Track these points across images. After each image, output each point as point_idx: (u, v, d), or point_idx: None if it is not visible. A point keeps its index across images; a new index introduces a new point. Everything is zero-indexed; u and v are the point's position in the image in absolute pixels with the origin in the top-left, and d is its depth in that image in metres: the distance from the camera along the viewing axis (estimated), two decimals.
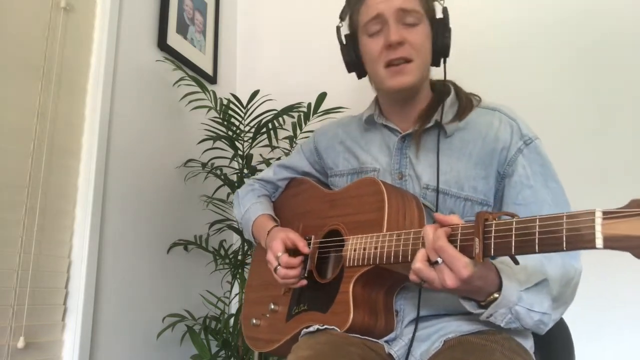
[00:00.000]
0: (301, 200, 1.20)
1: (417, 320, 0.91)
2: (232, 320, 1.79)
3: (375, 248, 0.87)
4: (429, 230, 0.75)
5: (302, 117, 1.80)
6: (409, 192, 0.98)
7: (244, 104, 1.74)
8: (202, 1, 2.12)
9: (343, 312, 0.90)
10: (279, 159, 1.83)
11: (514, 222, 0.67)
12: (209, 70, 2.11)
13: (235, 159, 1.82)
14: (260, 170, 1.79)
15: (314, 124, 1.80)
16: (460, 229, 0.73)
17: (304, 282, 1.03)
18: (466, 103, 1.01)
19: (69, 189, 1.47)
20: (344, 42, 1.07)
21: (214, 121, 1.79)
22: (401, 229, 0.85)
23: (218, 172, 1.83)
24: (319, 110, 1.78)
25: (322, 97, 1.78)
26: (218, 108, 1.77)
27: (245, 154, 1.82)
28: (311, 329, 0.93)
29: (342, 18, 1.07)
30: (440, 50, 1.00)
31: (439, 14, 1.02)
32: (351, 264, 0.92)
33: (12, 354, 1.25)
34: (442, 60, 1.03)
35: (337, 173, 1.14)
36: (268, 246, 1.08)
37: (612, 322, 1.48)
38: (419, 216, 0.93)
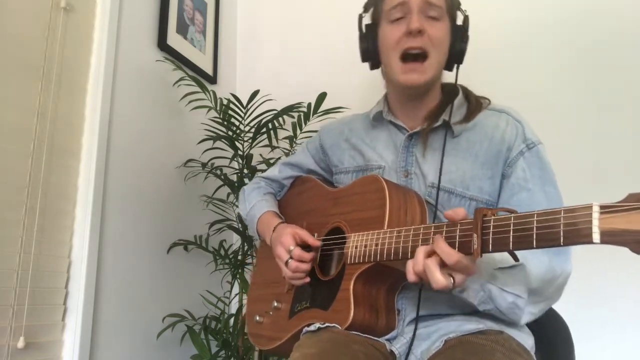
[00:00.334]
0: (305, 198, 1.21)
1: (417, 319, 0.92)
2: (232, 320, 1.79)
3: (376, 245, 0.87)
4: (431, 263, 0.74)
5: (302, 117, 1.80)
6: (411, 189, 0.99)
7: (244, 104, 1.74)
8: (202, 1, 2.12)
9: (344, 310, 0.91)
10: (279, 159, 1.83)
11: (512, 218, 0.67)
12: (209, 70, 2.11)
13: (235, 159, 1.82)
14: (261, 170, 1.79)
15: (314, 124, 1.80)
16: (459, 225, 0.73)
17: (307, 279, 1.03)
18: (475, 105, 1.03)
19: (69, 189, 1.47)
20: (364, 30, 1.07)
21: (214, 121, 1.79)
22: (402, 226, 0.85)
23: (218, 172, 1.83)
24: (319, 110, 1.78)
25: (322, 97, 1.78)
26: (218, 108, 1.77)
27: (245, 154, 1.83)
28: (312, 327, 0.93)
29: (366, 9, 1.09)
30: (455, 55, 1.02)
31: (459, 22, 1.04)
32: (352, 261, 0.92)
33: (12, 354, 1.25)
34: (455, 65, 1.04)
35: (343, 170, 1.14)
36: (277, 241, 1.08)
37: (612, 321, 1.48)
38: (421, 213, 0.94)
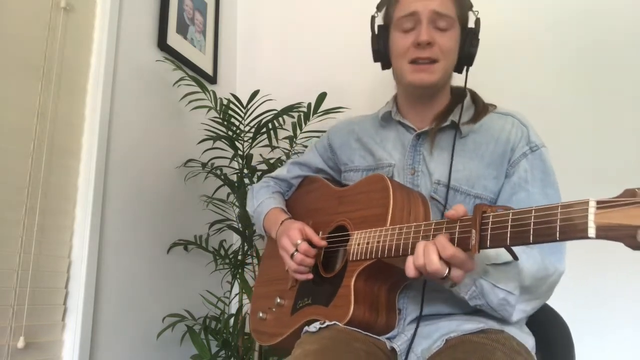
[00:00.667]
0: (312, 197, 1.22)
1: (419, 317, 0.92)
2: (232, 320, 1.79)
3: (378, 242, 0.88)
4: (430, 246, 0.75)
5: (302, 117, 1.81)
6: (415, 191, 1.00)
7: (244, 104, 1.74)
8: (202, 1, 2.12)
9: (344, 306, 0.91)
10: (279, 159, 1.84)
11: (511, 214, 0.68)
12: (209, 70, 2.11)
13: (235, 159, 1.82)
14: (261, 170, 1.80)
15: (314, 124, 1.80)
16: (459, 221, 0.74)
17: (310, 275, 1.04)
18: (482, 108, 1.05)
19: (69, 189, 1.47)
20: (376, 32, 1.09)
21: (214, 121, 1.79)
22: (405, 224, 0.85)
23: (218, 172, 1.83)
24: (319, 110, 1.78)
25: (322, 97, 1.78)
26: (218, 108, 1.77)
27: (245, 154, 1.83)
28: (312, 328, 0.93)
29: (378, 9, 1.10)
30: (465, 58, 1.03)
31: (472, 24, 1.05)
32: (355, 258, 0.93)
33: (12, 354, 1.25)
34: (464, 68, 1.06)
35: (352, 168, 1.16)
36: (284, 234, 1.08)
37: (612, 321, 1.48)
38: (425, 213, 0.95)
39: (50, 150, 1.39)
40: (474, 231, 0.70)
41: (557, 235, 0.61)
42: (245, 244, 1.81)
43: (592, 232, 0.58)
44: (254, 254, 1.81)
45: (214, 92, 1.78)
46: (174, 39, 1.91)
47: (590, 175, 1.55)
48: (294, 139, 1.84)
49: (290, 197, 1.31)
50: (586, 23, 1.65)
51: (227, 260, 1.82)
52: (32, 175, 1.34)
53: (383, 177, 0.97)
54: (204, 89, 1.74)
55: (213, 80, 2.13)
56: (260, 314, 1.18)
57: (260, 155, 1.89)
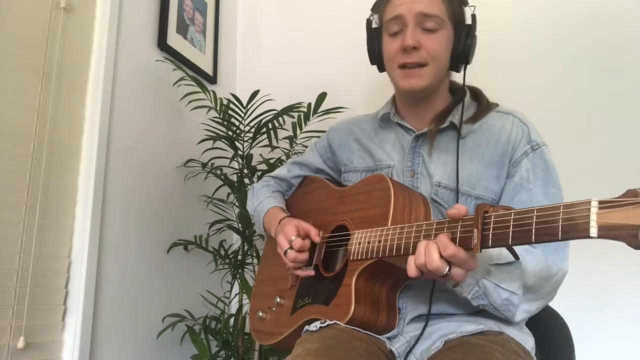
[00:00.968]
0: (313, 197, 1.22)
1: (427, 318, 0.92)
2: (232, 320, 1.79)
3: (379, 241, 0.88)
4: (431, 245, 0.75)
5: (302, 117, 1.81)
6: (416, 192, 0.99)
7: (244, 104, 1.74)
8: (202, 1, 2.12)
9: (344, 305, 0.91)
10: (279, 159, 1.84)
11: (513, 214, 0.68)
12: (209, 70, 2.11)
13: (235, 159, 1.82)
14: (261, 170, 1.80)
15: (314, 124, 1.80)
16: (461, 221, 0.74)
17: (312, 272, 1.04)
18: (485, 107, 1.03)
19: (69, 189, 1.47)
20: (371, 34, 1.08)
21: (214, 121, 1.79)
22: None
23: (218, 172, 1.83)
24: (319, 110, 1.78)
25: (322, 97, 1.78)
26: (218, 108, 1.77)
27: (245, 154, 1.83)
28: (312, 327, 0.93)
29: (373, 11, 1.09)
30: (459, 56, 1.01)
31: (469, 20, 1.03)
32: (355, 258, 0.93)
33: (12, 354, 1.25)
34: (462, 65, 1.04)
35: (352, 169, 1.15)
36: (281, 232, 1.09)
37: (613, 321, 1.48)
38: (426, 213, 0.94)
39: (50, 150, 1.39)
40: (475, 230, 0.70)
41: (560, 235, 0.61)
42: (245, 244, 1.81)
43: (594, 231, 0.58)
44: (254, 254, 1.81)
45: (214, 92, 1.78)
46: (174, 39, 1.91)
47: (591, 175, 1.55)
48: (294, 139, 1.84)
49: (290, 197, 1.31)
50: (587, 24, 1.65)
51: (227, 260, 1.82)
52: (32, 175, 1.34)
53: (384, 177, 0.97)
54: (204, 89, 1.74)
55: (213, 80, 2.13)
56: (260, 314, 1.18)
57: (260, 155, 1.89)
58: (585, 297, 1.49)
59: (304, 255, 1.04)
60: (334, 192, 1.14)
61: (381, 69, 1.09)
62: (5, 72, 1.30)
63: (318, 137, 1.46)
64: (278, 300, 1.12)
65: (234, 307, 1.91)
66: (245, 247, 1.81)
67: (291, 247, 1.04)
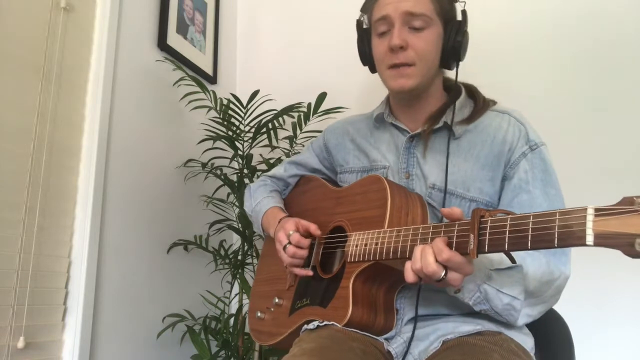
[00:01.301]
0: (309, 197, 1.22)
1: (415, 319, 0.92)
2: (232, 320, 1.79)
3: (376, 244, 0.88)
4: (427, 249, 0.75)
5: (302, 117, 1.80)
6: (414, 192, 0.99)
7: (244, 104, 1.74)
8: (202, 1, 2.12)
9: (342, 307, 0.91)
10: (279, 159, 1.84)
11: (509, 219, 0.67)
12: (209, 70, 2.11)
13: (235, 159, 1.82)
14: (261, 170, 1.80)
15: (314, 124, 1.80)
16: (457, 225, 0.74)
17: (310, 272, 1.04)
18: (482, 106, 1.02)
19: (69, 189, 1.47)
20: (361, 35, 1.07)
21: (214, 121, 1.79)
22: (403, 226, 0.85)
23: (218, 172, 1.83)
24: (319, 110, 1.78)
25: (322, 97, 1.78)
26: (218, 108, 1.77)
27: (245, 154, 1.83)
28: (311, 326, 0.93)
29: (363, 11, 1.08)
30: (449, 53, 1.00)
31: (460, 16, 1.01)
32: (352, 260, 0.93)
33: (12, 354, 1.25)
34: (454, 63, 1.02)
35: (348, 170, 1.15)
36: (281, 228, 1.09)
37: (613, 321, 1.48)
38: (422, 214, 0.94)
39: (50, 150, 1.39)
40: (472, 236, 0.70)
41: (555, 242, 0.61)
42: (245, 244, 1.81)
43: (590, 239, 0.58)
44: (254, 254, 1.81)
45: (214, 92, 1.78)
46: (174, 39, 1.91)
47: (591, 175, 1.55)
48: (294, 139, 1.84)
49: (287, 197, 1.31)
50: (587, 24, 1.65)
51: (227, 260, 1.82)
52: (32, 175, 1.34)
53: (380, 178, 0.97)
54: (204, 89, 1.74)
55: (213, 80, 2.13)
56: (259, 314, 1.17)
57: (260, 155, 1.89)
58: (585, 297, 1.49)
59: (303, 252, 1.04)
60: (331, 192, 1.14)
61: (373, 69, 1.08)
62: (5, 72, 1.30)
63: (321, 133, 1.46)
64: (276, 300, 1.12)
65: (234, 307, 1.91)
66: (245, 247, 1.81)
67: (290, 242, 1.04)
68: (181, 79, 1.80)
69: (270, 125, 1.78)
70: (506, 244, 0.67)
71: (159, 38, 1.85)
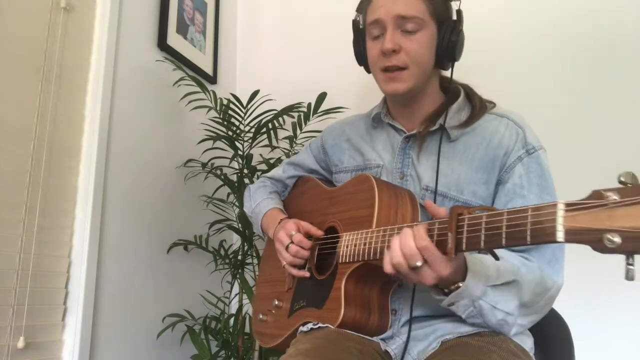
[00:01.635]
0: (306, 198, 1.22)
1: (410, 320, 0.92)
2: (232, 320, 1.79)
3: (364, 244, 0.88)
4: (407, 230, 0.75)
5: (302, 117, 1.80)
6: (404, 189, 0.98)
7: (244, 104, 1.74)
8: (202, 1, 2.12)
9: (335, 309, 0.91)
10: (279, 159, 1.84)
11: (484, 217, 0.66)
12: (209, 70, 2.11)
13: (235, 159, 1.82)
14: (261, 170, 1.80)
15: (314, 124, 1.80)
16: (437, 223, 0.73)
17: (306, 273, 1.04)
18: (479, 109, 1.01)
19: (69, 189, 1.47)
20: (357, 36, 1.07)
21: (214, 121, 1.79)
22: (392, 225, 0.85)
23: (218, 172, 1.83)
24: (319, 110, 1.78)
25: (322, 97, 1.78)
26: (218, 108, 1.77)
27: (245, 154, 1.82)
28: (304, 328, 0.93)
29: (358, 12, 1.07)
30: (444, 54, 0.99)
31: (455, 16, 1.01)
32: (344, 260, 0.93)
33: (12, 354, 1.25)
34: (449, 63, 1.02)
35: (342, 169, 1.15)
36: (281, 228, 1.09)
37: (612, 321, 1.48)
38: (413, 212, 0.93)
39: (50, 150, 1.39)
40: (450, 234, 0.69)
41: (528, 239, 0.60)
42: (245, 244, 1.81)
43: (560, 235, 0.56)
44: (254, 254, 1.81)
45: (214, 92, 1.78)
46: (174, 39, 1.91)
47: (591, 176, 1.54)
48: (294, 139, 1.84)
49: (287, 198, 1.31)
50: (587, 24, 1.64)
51: (227, 260, 1.82)
52: (32, 175, 1.34)
53: (368, 176, 0.96)
54: (204, 89, 1.74)
55: (213, 80, 2.13)
56: (261, 316, 1.18)
57: (260, 155, 1.89)
58: (585, 297, 1.49)
59: (305, 252, 1.04)
60: (325, 192, 1.14)
61: (368, 70, 1.08)
62: (5, 72, 1.30)
63: (319, 134, 1.46)
64: (276, 302, 1.13)
65: (234, 307, 1.91)
66: (245, 247, 1.81)
67: (292, 242, 1.04)
68: (181, 79, 1.80)
69: (270, 125, 1.78)
70: (482, 242, 0.66)
71: (159, 38, 1.85)
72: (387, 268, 0.77)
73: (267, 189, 1.28)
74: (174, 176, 1.88)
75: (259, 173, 1.81)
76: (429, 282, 0.74)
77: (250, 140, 1.82)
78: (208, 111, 1.81)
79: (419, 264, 0.73)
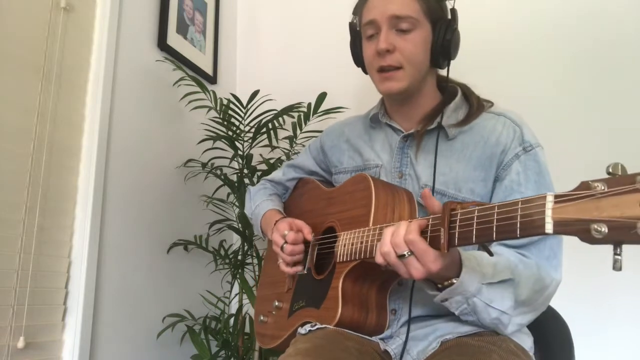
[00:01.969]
0: (306, 199, 1.23)
1: (409, 320, 0.92)
2: (232, 320, 1.79)
3: (361, 243, 0.88)
4: (403, 223, 0.76)
5: (302, 117, 1.81)
6: (401, 188, 0.99)
7: (244, 104, 1.74)
8: (202, 1, 2.12)
9: (333, 308, 0.92)
10: (279, 159, 1.84)
11: (476, 211, 0.66)
12: (209, 70, 2.11)
13: (235, 159, 1.82)
14: (261, 170, 1.80)
15: (314, 124, 1.80)
16: (430, 219, 0.73)
17: (300, 267, 1.06)
18: (476, 108, 1.01)
19: (69, 189, 1.47)
20: (353, 37, 1.08)
21: (214, 121, 1.79)
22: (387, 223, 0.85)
23: (218, 172, 1.83)
24: (319, 110, 1.78)
25: (322, 97, 1.78)
26: (218, 108, 1.77)
27: (245, 154, 1.83)
28: (302, 330, 0.94)
29: (354, 14, 1.08)
30: (439, 52, 0.99)
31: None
32: (341, 260, 0.93)
33: (12, 354, 1.25)
34: (444, 62, 1.02)
35: (342, 170, 1.15)
36: (275, 230, 1.10)
37: (612, 320, 1.48)
38: (410, 211, 0.94)
39: (50, 150, 1.39)
40: (442, 229, 0.69)
41: (518, 232, 0.60)
42: (245, 244, 1.81)
43: (549, 227, 0.56)
44: (254, 254, 1.81)
45: (214, 92, 1.78)
46: (174, 39, 1.91)
47: (591, 176, 1.54)
48: (294, 139, 1.84)
49: (287, 200, 1.32)
50: (587, 24, 1.64)
51: (227, 260, 1.82)
52: (32, 175, 1.34)
53: (366, 176, 0.97)
54: (204, 89, 1.74)
55: (213, 80, 2.13)
56: (261, 317, 1.18)
57: (260, 155, 1.89)
58: (585, 296, 1.49)
59: (300, 247, 1.06)
60: (323, 193, 1.15)
61: (365, 71, 1.08)
62: (5, 72, 1.30)
63: (319, 136, 1.46)
64: (276, 303, 1.13)
65: (234, 307, 1.91)
66: (245, 247, 1.81)
67: (286, 242, 1.05)
68: (181, 79, 1.80)
69: (270, 125, 1.78)
70: (474, 236, 0.65)
71: (159, 38, 1.85)
72: (378, 258, 0.78)
73: (267, 191, 1.29)
74: (174, 176, 1.88)
75: (259, 173, 1.81)
76: (418, 276, 0.73)
77: (250, 140, 1.82)
78: (208, 111, 1.81)
79: (406, 253, 0.73)
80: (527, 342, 0.92)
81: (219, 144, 1.85)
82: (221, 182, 1.86)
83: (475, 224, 0.65)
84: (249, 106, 1.74)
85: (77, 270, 1.43)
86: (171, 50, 1.88)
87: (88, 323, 1.43)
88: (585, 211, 0.52)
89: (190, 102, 1.78)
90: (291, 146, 1.85)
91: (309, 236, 1.06)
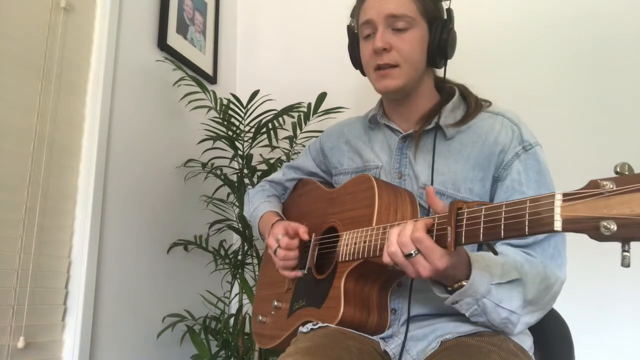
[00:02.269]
0: (306, 200, 1.23)
1: (408, 320, 0.92)
2: (232, 320, 1.79)
3: (364, 242, 0.88)
4: (409, 222, 0.76)
5: (302, 117, 1.81)
6: (404, 189, 0.99)
7: (244, 104, 1.74)
8: (202, 1, 2.12)
9: (334, 307, 0.92)
10: (279, 159, 1.84)
11: (483, 209, 0.67)
12: (209, 70, 2.11)
13: (235, 159, 1.82)
14: (261, 170, 1.80)
15: (314, 124, 1.80)
16: (436, 218, 0.74)
17: (299, 273, 1.06)
18: (474, 107, 1.01)
19: (69, 189, 1.47)
20: (351, 40, 1.09)
21: (214, 121, 1.79)
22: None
23: (218, 172, 1.83)
24: (319, 110, 1.78)
25: (322, 97, 1.78)
26: (218, 108, 1.77)
27: (245, 154, 1.83)
28: (304, 329, 0.94)
29: (352, 17, 1.09)
30: (435, 52, 1.00)
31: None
32: (343, 259, 0.93)
33: (12, 354, 1.25)
34: (441, 61, 1.02)
35: (342, 171, 1.15)
36: (271, 233, 1.11)
37: (612, 320, 1.48)
38: (412, 212, 0.94)
39: (50, 150, 1.39)
40: (449, 228, 0.69)
41: (526, 230, 0.61)
42: (245, 244, 1.81)
43: (558, 225, 0.57)
44: (254, 254, 1.81)
45: (214, 92, 1.78)
46: (174, 39, 1.91)
47: (591, 175, 1.54)
48: (294, 139, 1.84)
49: (286, 200, 1.32)
50: (587, 24, 1.64)
51: (227, 261, 1.82)
52: (32, 175, 1.34)
53: (369, 177, 0.97)
54: (204, 89, 1.75)
55: (213, 80, 2.13)
56: (260, 317, 1.18)
57: (260, 155, 1.89)
58: (585, 296, 1.49)
59: (294, 253, 1.06)
60: (324, 194, 1.15)
61: (364, 73, 1.09)
62: (5, 72, 1.30)
63: (318, 137, 1.46)
64: (276, 303, 1.13)
65: (234, 307, 1.91)
66: (245, 247, 1.81)
67: (279, 247, 1.06)
68: (181, 79, 1.80)
69: (270, 125, 1.78)
70: (481, 234, 0.66)
71: (159, 38, 1.85)
72: (385, 258, 0.78)
73: (265, 193, 1.29)
74: (174, 176, 1.88)
75: (259, 173, 1.81)
76: (425, 275, 0.74)
77: (250, 140, 1.82)
78: (208, 111, 1.81)
79: (413, 252, 0.73)
80: (527, 342, 0.92)
81: (219, 144, 1.85)
82: (221, 182, 1.86)
83: (482, 222, 0.66)
84: (249, 106, 1.74)
85: (77, 270, 1.43)
86: (171, 50, 1.88)
87: (88, 323, 1.43)
88: (594, 209, 0.54)
89: (190, 102, 1.78)
90: (291, 146, 1.85)
91: (305, 236, 1.06)
